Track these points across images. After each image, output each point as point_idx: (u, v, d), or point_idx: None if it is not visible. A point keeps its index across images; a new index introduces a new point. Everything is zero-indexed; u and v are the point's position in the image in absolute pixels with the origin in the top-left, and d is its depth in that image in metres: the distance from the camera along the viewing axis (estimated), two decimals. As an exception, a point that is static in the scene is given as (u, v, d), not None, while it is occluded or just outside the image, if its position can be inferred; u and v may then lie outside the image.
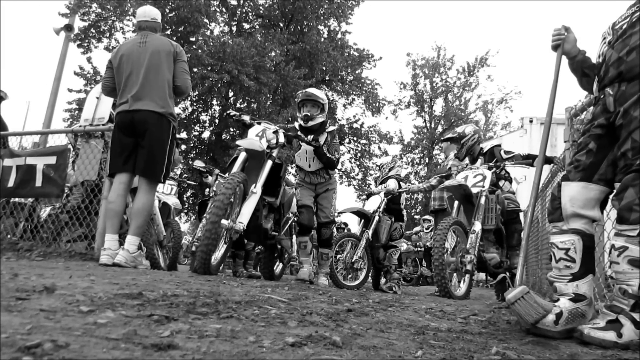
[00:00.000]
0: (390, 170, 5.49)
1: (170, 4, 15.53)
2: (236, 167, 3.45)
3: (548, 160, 3.62)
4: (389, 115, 23.22)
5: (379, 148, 20.16)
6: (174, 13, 15.63)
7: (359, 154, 19.70)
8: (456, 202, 3.90)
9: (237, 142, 3.55)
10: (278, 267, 5.05)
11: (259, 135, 3.70)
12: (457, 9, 41.32)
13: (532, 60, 43.82)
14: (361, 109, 19.17)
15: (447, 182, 3.90)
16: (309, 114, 4.10)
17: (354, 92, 18.77)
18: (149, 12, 3.60)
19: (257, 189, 3.30)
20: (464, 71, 23.04)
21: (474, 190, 3.70)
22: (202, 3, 15.49)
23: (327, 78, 18.31)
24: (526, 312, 1.55)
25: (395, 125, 47.02)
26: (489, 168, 3.90)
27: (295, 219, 5.22)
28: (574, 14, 43.10)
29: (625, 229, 1.59)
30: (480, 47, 46.67)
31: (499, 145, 4.37)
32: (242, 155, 3.53)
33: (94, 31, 16.48)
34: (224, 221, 2.92)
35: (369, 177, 19.39)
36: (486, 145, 4.43)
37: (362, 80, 18.45)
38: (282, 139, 3.63)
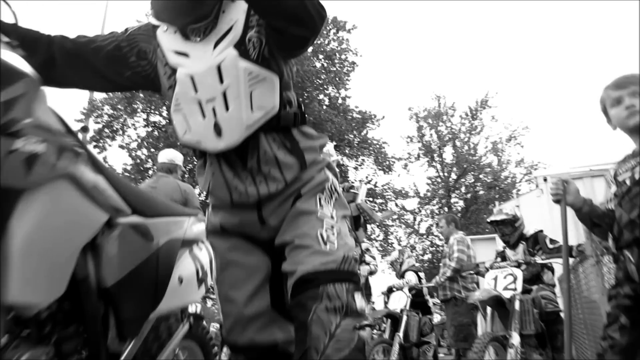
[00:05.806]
0: (401, 265, 5.36)
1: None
2: None
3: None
4: (400, 172, 23.00)
5: (396, 205, 20.00)
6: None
7: (376, 214, 19.54)
8: (489, 309, 3.64)
9: None
10: None
11: None
12: (449, 57, 42.45)
13: (533, 94, 44.01)
14: (372, 169, 19.24)
15: (476, 295, 3.66)
16: None
17: (363, 154, 18.95)
18: (166, 154, 3.77)
19: None
20: (467, 116, 23.18)
21: (506, 294, 3.47)
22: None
23: (334, 143, 18.58)
24: None
25: (408, 179, 46.61)
26: (518, 265, 3.68)
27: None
28: (560, 46, 43.96)
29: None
30: (478, 90, 47.30)
31: (542, 231, 4.03)
32: None
33: (107, 131, 17.27)
34: None
35: (390, 235, 19.07)
36: (528, 230, 4.06)
37: (369, 141, 18.67)
38: None
